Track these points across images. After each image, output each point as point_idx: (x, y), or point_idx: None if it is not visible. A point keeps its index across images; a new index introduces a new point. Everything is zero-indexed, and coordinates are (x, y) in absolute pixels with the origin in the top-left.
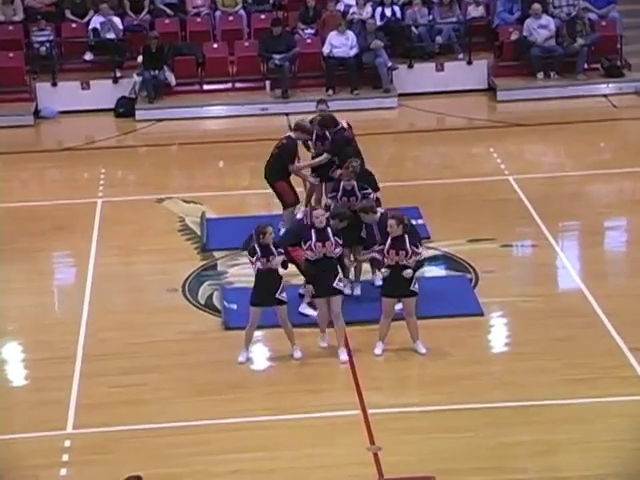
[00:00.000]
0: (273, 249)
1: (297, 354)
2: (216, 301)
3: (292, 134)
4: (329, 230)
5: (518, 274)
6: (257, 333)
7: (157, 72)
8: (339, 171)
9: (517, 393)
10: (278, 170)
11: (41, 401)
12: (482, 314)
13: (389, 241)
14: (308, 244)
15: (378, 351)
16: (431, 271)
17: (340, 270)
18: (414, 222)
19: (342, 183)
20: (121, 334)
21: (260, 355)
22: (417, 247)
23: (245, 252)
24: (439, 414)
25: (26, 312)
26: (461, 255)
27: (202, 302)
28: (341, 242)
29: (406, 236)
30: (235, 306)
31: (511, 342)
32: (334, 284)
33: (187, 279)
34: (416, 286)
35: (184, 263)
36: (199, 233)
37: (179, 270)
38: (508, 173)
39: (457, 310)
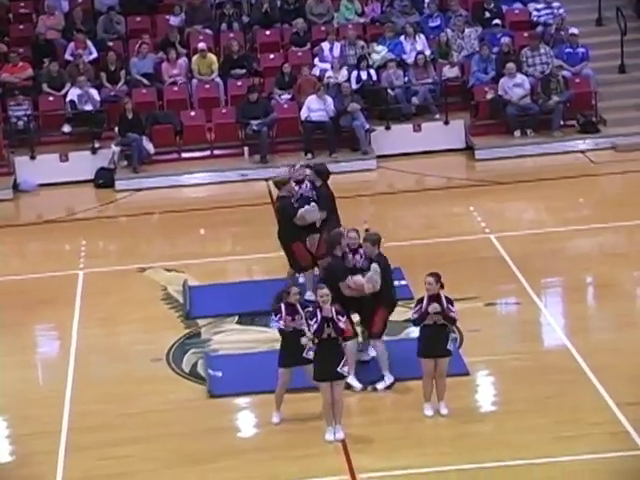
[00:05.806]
0: (299, 309)
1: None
2: (201, 369)
3: (280, 193)
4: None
5: (503, 332)
6: (243, 400)
7: (136, 137)
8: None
9: (507, 452)
10: (291, 232)
11: (26, 477)
12: (468, 374)
13: (426, 300)
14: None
15: (429, 412)
16: (415, 332)
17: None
18: (397, 283)
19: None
20: (106, 406)
21: (247, 422)
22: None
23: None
24: (429, 476)
25: (10, 387)
26: None
27: (187, 371)
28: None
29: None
30: (220, 374)
31: (498, 401)
32: (338, 368)
33: (171, 348)
34: (451, 345)
35: (168, 332)
36: (182, 301)
37: (163, 339)
38: (489, 231)
39: None
